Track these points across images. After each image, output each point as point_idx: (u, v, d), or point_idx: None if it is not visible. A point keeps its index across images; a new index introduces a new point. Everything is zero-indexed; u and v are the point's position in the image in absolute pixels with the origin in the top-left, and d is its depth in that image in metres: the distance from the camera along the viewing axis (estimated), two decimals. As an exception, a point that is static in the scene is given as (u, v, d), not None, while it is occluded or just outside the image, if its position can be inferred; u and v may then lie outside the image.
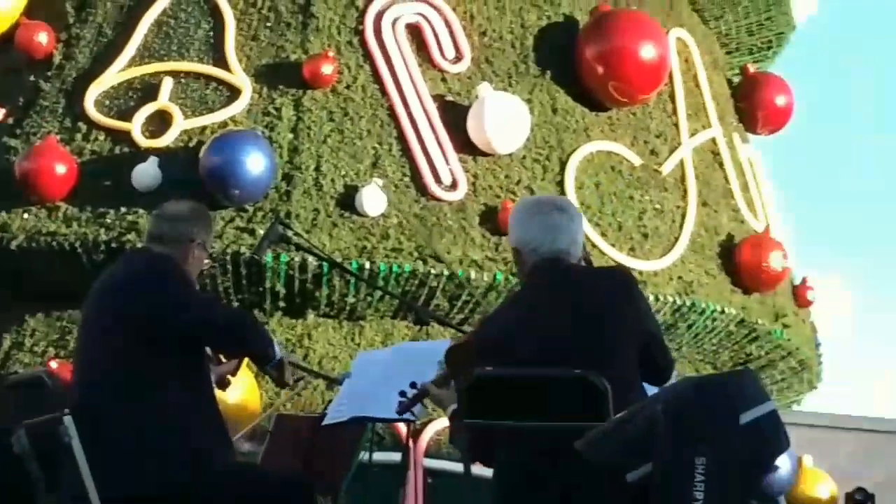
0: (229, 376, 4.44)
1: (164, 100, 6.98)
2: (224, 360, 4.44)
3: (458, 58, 7.19)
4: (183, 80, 7.07)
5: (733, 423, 3.53)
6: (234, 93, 6.97)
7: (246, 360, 4.49)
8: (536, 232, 4.03)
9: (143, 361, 4.09)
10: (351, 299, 6.64)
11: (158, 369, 4.09)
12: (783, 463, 7.35)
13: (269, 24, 7.17)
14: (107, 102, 7.10)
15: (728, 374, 3.98)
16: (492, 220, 6.85)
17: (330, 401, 5.16)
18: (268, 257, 6.35)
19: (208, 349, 4.29)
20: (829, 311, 8.30)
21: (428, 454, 6.55)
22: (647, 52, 7.32)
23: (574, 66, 7.39)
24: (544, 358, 3.98)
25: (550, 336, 3.99)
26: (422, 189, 6.83)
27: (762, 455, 3.67)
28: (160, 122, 6.94)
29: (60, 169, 6.80)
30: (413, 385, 4.34)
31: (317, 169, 6.74)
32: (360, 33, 7.10)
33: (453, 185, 6.89)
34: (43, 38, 7.37)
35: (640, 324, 4.05)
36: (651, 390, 4.12)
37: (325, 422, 4.63)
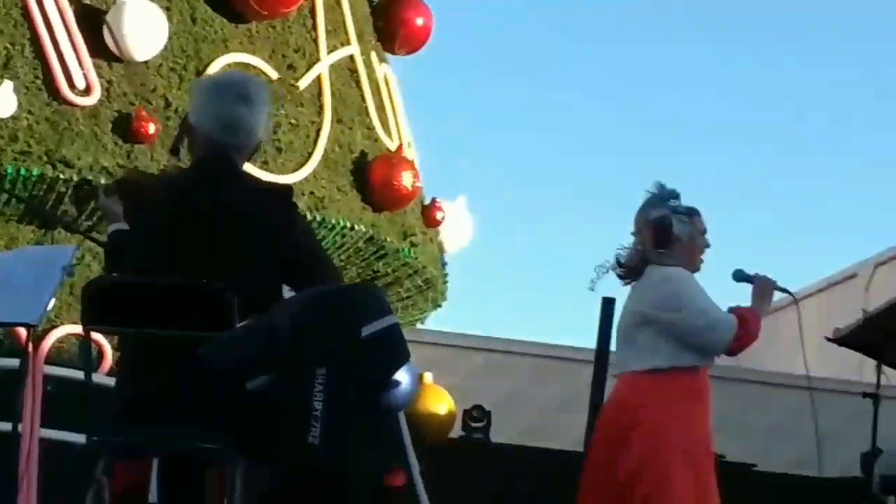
0: None
1: None
2: None
3: (96, -39, 7.12)
4: None
5: (354, 335, 3.69)
6: None
7: None
8: (213, 120, 4.19)
9: None
10: (-26, 201, 6.53)
11: None
12: (404, 378, 7.70)
13: None
14: None
15: (351, 287, 4.13)
16: (125, 127, 6.88)
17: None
18: None
19: None
20: (455, 233, 8.68)
21: (49, 361, 6.56)
22: (286, -34, 7.44)
23: (216, -24, 7.45)
24: (176, 264, 4.07)
25: (188, 247, 4.10)
26: (54, 92, 6.77)
27: (382, 367, 3.89)
28: None
29: None
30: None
31: (-60, 65, 6.56)
32: (-9, -74, 6.91)
33: (87, 90, 6.86)
34: None
35: (290, 239, 4.17)
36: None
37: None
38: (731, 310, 5.54)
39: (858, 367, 14.54)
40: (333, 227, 7.55)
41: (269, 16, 7.61)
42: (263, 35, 7.69)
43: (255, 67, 7.55)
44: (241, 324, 3.82)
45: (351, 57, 8.14)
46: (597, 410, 7.28)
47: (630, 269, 5.63)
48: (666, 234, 5.52)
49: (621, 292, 5.89)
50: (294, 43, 7.81)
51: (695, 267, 5.61)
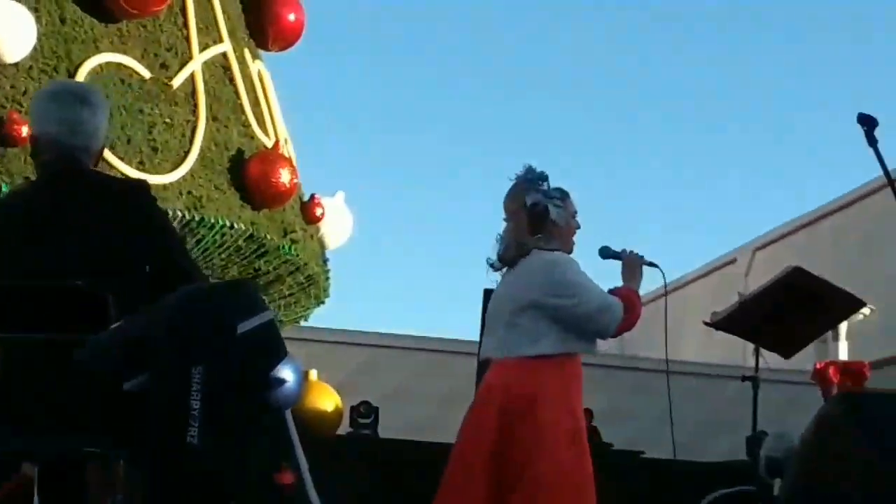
0: None
1: None
2: None
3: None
4: None
5: (230, 332, 3.69)
6: None
7: None
8: (54, 123, 4.18)
9: None
10: None
11: None
12: (289, 376, 7.74)
13: None
14: None
15: (225, 283, 4.11)
16: (-3, 130, 6.83)
17: None
18: None
19: None
20: (335, 229, 8.72)
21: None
22: (156, -36, 7.43)
23: (82, -24, 7.41)
24: (45, 266, 4.04)
25: (52, 244, 4.07)
26: (-79, 96, 6.72)
27: (260, 364, 3.88)
28: None
29: None
30: None
31: None
32: None
33: (-44, 94, 6.81)
34: None
35: (145, 235, 4.16)
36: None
37: None
38: (611, 291, 5.62)
39: (743, 352, 14.86)
40: (213, 226, 7.55)
41: (140, 14, 7.59)
42: (135, 34, 7.66)
43: (127, 67, 7.53)
44: (115, 325, 3.81)
45: (224, 54, 8.15)
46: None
47: (507, 257, 5.65)
48: (542, 219, 5.57)
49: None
50: (166, 41, 7.80)
51: (570, 249, 5.67)
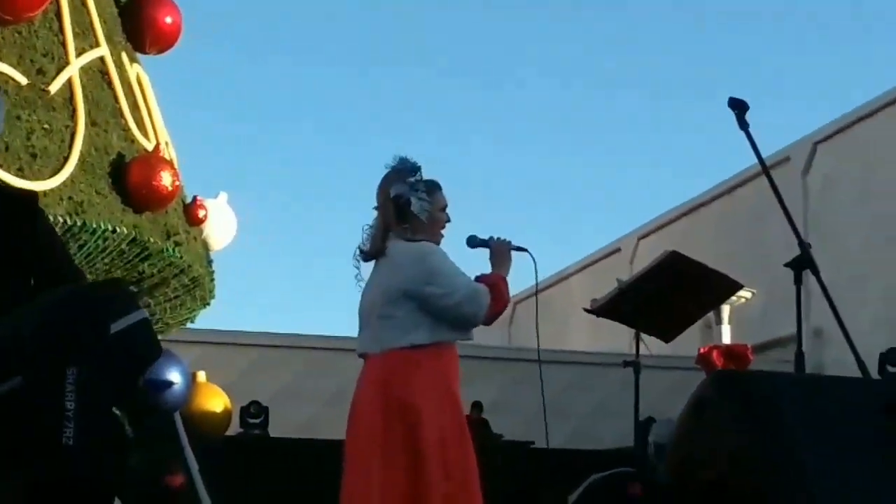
0: None
1: None
2: None
3: None
4: None
5: (103, 333, 3.74)
6: None
7: None
8: None
9: None
10: None
11: None
12: (177, 378, 7.87)
13: None
14: None
15: (97, 284, 4.13)
16: None
17: None
18: None
19: None
20: (218, 230, 8.83)
21: None
22: (24, -31, 7.48)
23: (-44, -17, 7.43)
24: None
25: None
26: None
27: (134, 363, 3.94)
28: None
29: None
30: None
31: None
32: None
33: None
34: None
35: (30, 241, 4.24)
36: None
37: None
38: (478, 279, 5.73)
39: (629, 339, 15.20)
40: (95, 231, 7.61)
41: (14, 20, 7.63)
42: (10, 40, 7.70)
43: (3, 74, 7.57)
44: None
45: (101, 59, 8.20)
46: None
47: (373, 248, 5.73)
48: (404, 211, 5.66)
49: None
50: (42, 47, 7.84)
51: (437, 242, 5.74)
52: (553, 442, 13.06)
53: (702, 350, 11.42)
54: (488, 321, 5.67)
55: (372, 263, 5.78)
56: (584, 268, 26.38)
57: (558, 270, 27.26)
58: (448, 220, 5.81)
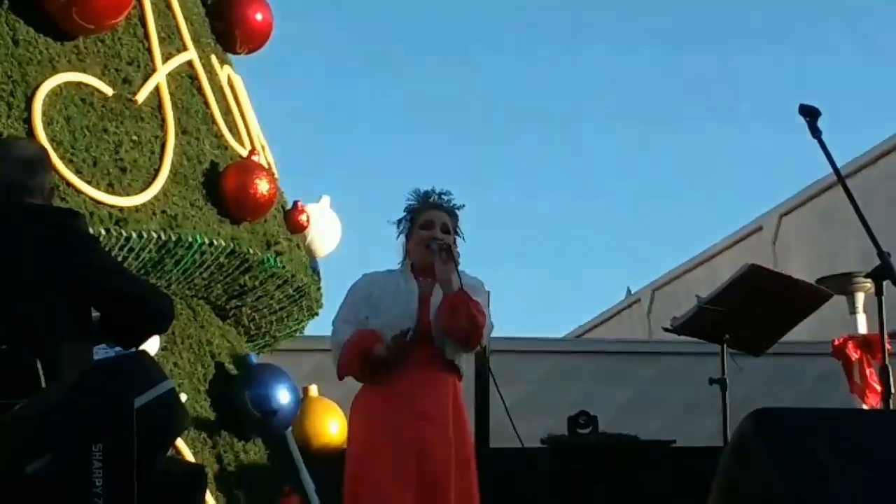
0: None
1: None
2: None
3: None
4: None
5: (128, 408, 3.79)
6: None
7: None
8: None
9: None
10: None
11: None
12: (285, 398, 7.64)
13: None
14: None
15: (119, 359, 4.21)
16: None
17: None
18: None
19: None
20: (323, 236, 8.57)
21: None
22: (107, -29, 7.29)
23: (34, -7, 7.28)
24: None
25: None
26: None
27: (160, 436, 4.01)
28: None
29: None
30: None
31: None
32: None
33: None
34: None
35: (71, 259, 4.22)
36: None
37: None
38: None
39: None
40: (191, 245, 7.41)
41: (96, 29, 7.46)
42: (93, 50, 7.53)
43: (87, 85, 7.40)
44: (18, 405, 3.88)
45: (189, 63, 8.00)
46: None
47: None
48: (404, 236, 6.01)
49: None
50: (126, 55, 7.66)
51: (425, 260, 5.84)
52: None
53: (836, 342, 10.98)
54: (470, 340, 5.79)
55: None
56: (727, 248, 25.78)
57: (699, 253, 26.74)
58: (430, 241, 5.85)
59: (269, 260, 7.89)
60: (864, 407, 10.74)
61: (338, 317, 5.92)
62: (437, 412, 5.68)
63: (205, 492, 4.77)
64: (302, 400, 8.02)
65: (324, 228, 8.58)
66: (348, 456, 5.82)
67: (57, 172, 6.70)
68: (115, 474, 3.69)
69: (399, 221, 6.02)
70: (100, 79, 7.46)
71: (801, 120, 5.26)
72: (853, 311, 11.90)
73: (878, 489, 3.20)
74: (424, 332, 5.72)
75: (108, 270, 4.42)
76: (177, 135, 7.63)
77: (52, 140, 6.97)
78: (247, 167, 7.81)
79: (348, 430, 6.08)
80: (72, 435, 3.73)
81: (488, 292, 7.06)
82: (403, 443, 5.60)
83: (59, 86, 7.26)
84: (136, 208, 7.24)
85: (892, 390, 6.07)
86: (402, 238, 6.00)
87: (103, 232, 6.98)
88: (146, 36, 7.80)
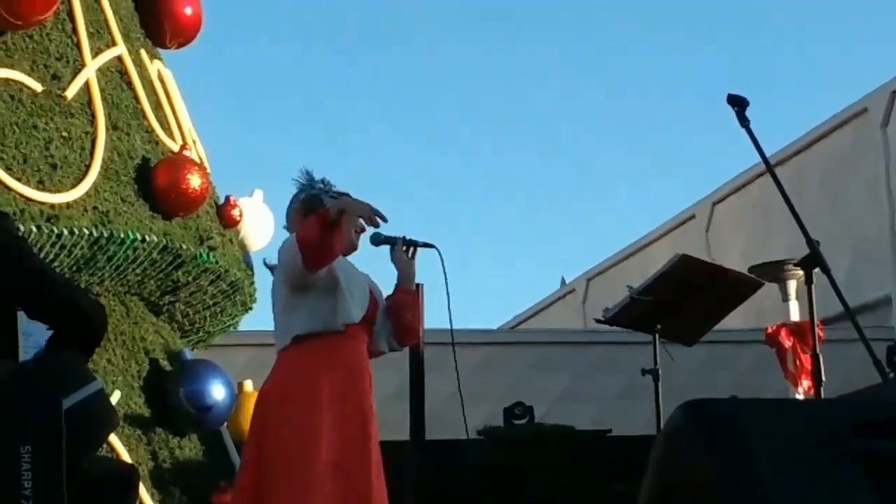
0: None
1: None
2: None
3: None
4: None
5: (56, 410, 3.78)
6: None
7: None
8: None
9: None
10: None
11: None
12: (220, 394, 7.68)
13: None
14: None
15: (47, 359, 4.15)
16: None
17: None
18: None
19: None
20: (256, 230, 8.60)
21: None
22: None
23: (-42, -10, 7.26)
24: None
25: None
26: None
27: (89, 437, 4.02)
28: None
29: None
30: None
31: None
32: None
33: None
34: None
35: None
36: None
37: None
38: (389, 301, 5.80)
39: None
40: (123, 242, 7.43)
41: (24, 25, 7.46)
42: (21, 46, 7.54)
43: (16, 81, 7.41)
44: None
45: (119, 58, 8.02)
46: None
47: None
48: (316, 206, 5.67)
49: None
50: (55, 51, 7.67)
51: (352, 246, 5.76)
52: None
53: (769, 330, 11.17)
54: (413, 339, 6.02)
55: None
56: (661, 237, 26.01)
57: (636, 240, 26.94)
58: (363, 229, 5.78)
59: (202, 255, 7.92)
60: (799, 392, 10.94)
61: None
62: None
63: (137, 490, 4.79)
64: (237, 395, 8.06)
65: (257, 223, 8.60)
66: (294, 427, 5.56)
67: (-15, 170, 6.72)
68: (43, 476, 3.69)
69: (318, 195, 5.77)
70: (28, 75, 7.47)
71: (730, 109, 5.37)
72: (786, 298, 12.10)
73: (806, 474, 3.30)
74: (369, 318, 5.76)
75: (36, 274, 4.36)
76: (107, 130, 7.65)
77: (-19, 137, 6.98)
78: (178, 162, 7.83)
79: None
80: None
81: (421, 284, 7.16)
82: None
83: (-12, 81, 7.27)
84: (68, 205, 7.26)
85: (824, 377, 6.21)
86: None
87: (34, 229, 7.00)
88: (75, 31, 7.80)
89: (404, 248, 5.90)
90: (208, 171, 8.18)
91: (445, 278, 5.90)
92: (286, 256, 5.50)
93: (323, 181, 5.78)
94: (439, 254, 5.91)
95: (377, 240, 5.87)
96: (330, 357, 5.59)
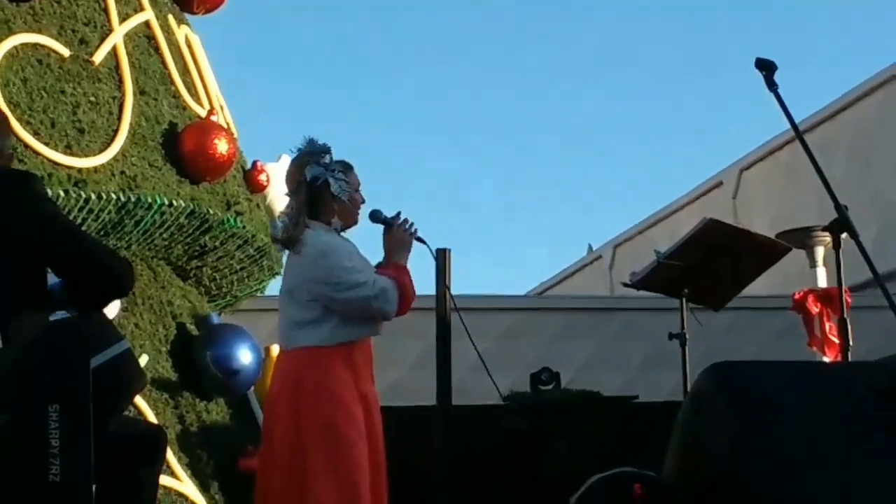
0: None
1: None
2: None
3: None
4: None
5: (84, 368, 3.79)
6: None
7: None
8: None
9: None
10: None
11: None
12: (247, 358, 7.69)
13: None
14: None
15: (75, 319, 4.18)
16: None
17: None
18: None
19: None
20: (283, 196, 8.57)
21: None
22: (60, -67, 7.29)
23: (-16, -43, 7.27)
24: None
25: None
26: None
27: (116, 396, 4.04)
28: None
29: None
30: None
31: None
32: None
33: None
34: None
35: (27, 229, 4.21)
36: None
37: None
38: (380, 270, 5.73)
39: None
40: (150, 206, 7.44)
41: (52, -11, 7.45)
42: (48, 11, 7.54)
43: (44, 46, 7.40)
44: None
45: (146, 23, 8.02)
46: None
47: (287, 237, 5.78)
48: (322, 193, 5.72)
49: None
50: (83, 16, 7.67)
51: (354, 222, 5.81)
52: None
53: (797, 296, 11.14)
54: (398, 314, 5.70)
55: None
56: (688, 204, 25.93)
57: (662, 207, 26.88)
58: (364, 201, 5.83)
59: (229, 220, 7.93)
60: (825, 359, 10.91)
61: (361, 271, 5.66)
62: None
63: (165, 452, 4.82)
64: (264, 360, 8.07)
65: (284, 188, 8.58)
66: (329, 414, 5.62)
67: (14, 135, 6.71)
68: (71, 435, 3.70)
69: (324, 178, 5.78)
70: (56, 40, 7.46)
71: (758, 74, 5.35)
72: (813, 265, 12.06)
73: (828, 433, 3.30)
74: None
75: (66, 233, 4.40)
76: (135, 95, 7.65)
77: (9, 102, 6.99)
78: (205, 127, 7.84)
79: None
80: (27, 396, 3.74)
81: (449, 249, 7.16)
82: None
83: (15, 47, 7.27)
84: (95, 169, 7.26)
85: (850, 343, 6.19)
86: (329, 194, 5.78)
87: (62, 193, 7.01)
88: (102, -4, 7.79)
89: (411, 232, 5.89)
90: (235, 136, 8.18)
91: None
92: (341, 285, 5.55)
93: (324, 150, 5.76)
94: (431, 252, 6.09)
95: (376, 218, 5.90)
96: (362, 354, 5.73)
